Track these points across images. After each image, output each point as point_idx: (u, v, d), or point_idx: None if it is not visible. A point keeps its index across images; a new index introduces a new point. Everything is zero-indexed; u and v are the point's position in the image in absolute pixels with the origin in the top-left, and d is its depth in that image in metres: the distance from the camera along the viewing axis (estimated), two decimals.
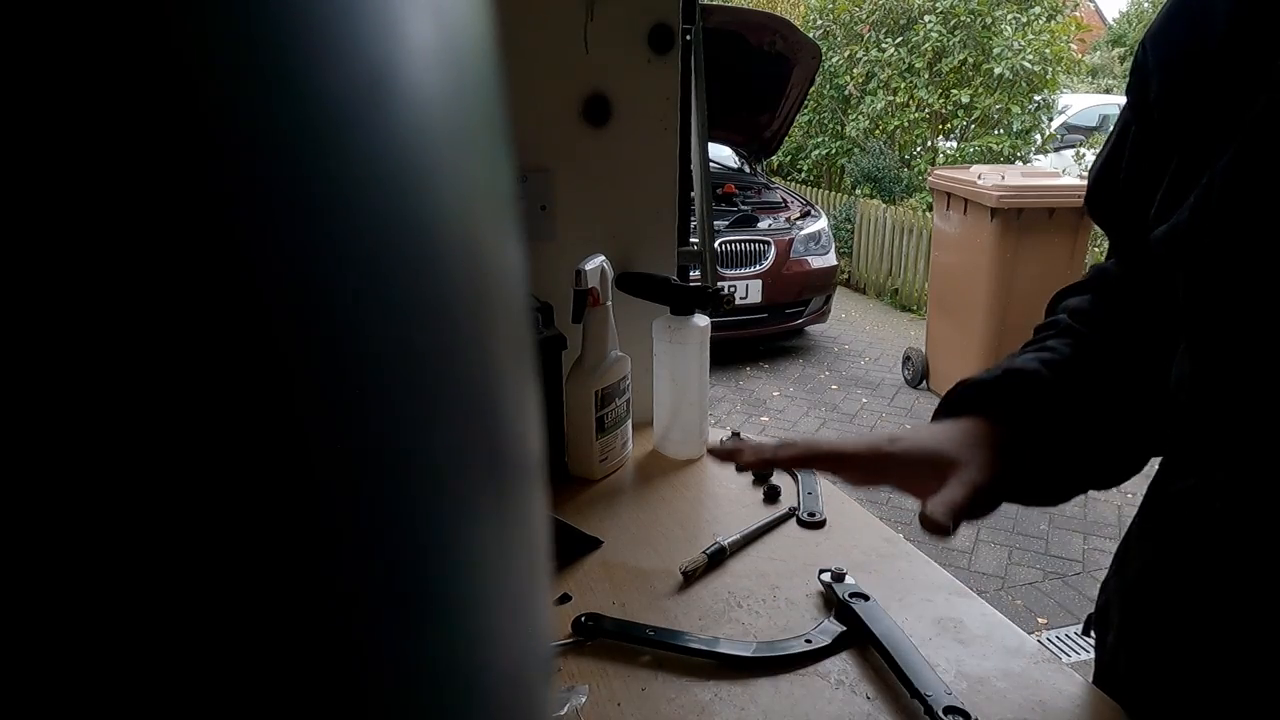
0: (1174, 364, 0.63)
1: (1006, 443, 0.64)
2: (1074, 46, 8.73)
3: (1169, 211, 0.59)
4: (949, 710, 0.66)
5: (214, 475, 0.12)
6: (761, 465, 0.61)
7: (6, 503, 0.10)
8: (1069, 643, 2.52)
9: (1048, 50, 8.08)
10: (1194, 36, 0.59)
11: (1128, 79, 0.67)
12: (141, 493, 0.11)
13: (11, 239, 0.10)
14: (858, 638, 0.78)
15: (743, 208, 5.42)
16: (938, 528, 0.56)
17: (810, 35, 6.39)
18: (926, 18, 8.17)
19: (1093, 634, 0.77)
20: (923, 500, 0.59)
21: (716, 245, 1.48)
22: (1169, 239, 0.58)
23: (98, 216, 0.10)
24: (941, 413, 0.69)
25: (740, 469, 0.62)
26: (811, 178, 9.52)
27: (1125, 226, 0.68)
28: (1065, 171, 5.94)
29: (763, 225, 5.33)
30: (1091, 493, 3.41)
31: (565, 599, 0.84)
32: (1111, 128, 0.71)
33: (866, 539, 0.96)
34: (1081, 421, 0.66)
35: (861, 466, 0.63)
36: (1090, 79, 14.68)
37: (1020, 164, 7.58)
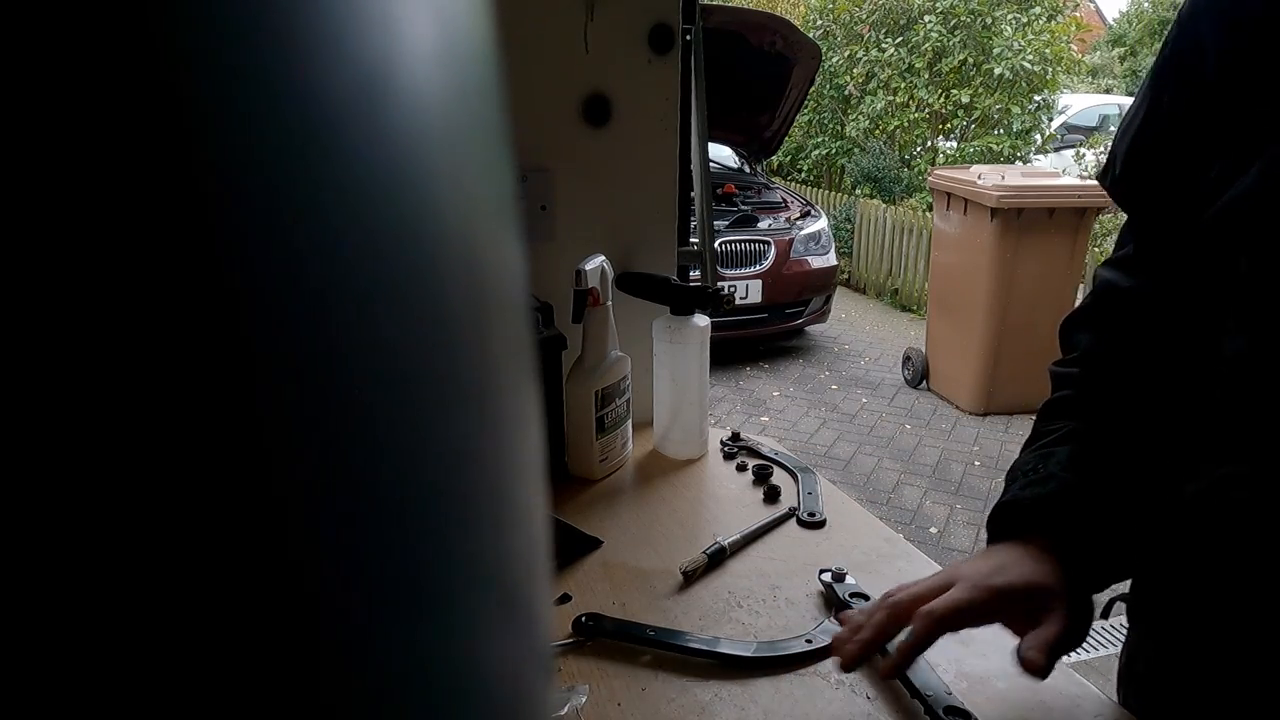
0: (1225, 342, 0.60)
1: (1066, 556, 0.66)
2: (1074, 46, 8.73)
3: (1224, 185, 0.57)
4: (949, 710, 0.66)
5: (212, 471, 0.12)
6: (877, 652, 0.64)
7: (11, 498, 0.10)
8: None
9: (1048, 50, 8.08)
10: (1248, 6, 0.57)
11: (1164, 50, 0.65)
12: (140, 490, 0.11)
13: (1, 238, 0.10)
14: None
15: (743, 208, 5.42)
16: (1035, 667, 0.59)
17: (810, 35, 6.39)
18: (926, 18, 8.17)
19: (1109, 619, 0.76)
20: (1019, 636, 0.62)
21: (716, 245, 1.48)
22: (1228, 212, 0.56)
23: (93, 216, 0.10)
24: (995, 536, 0.71)
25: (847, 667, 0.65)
26: (811, 178, 9.52)
27: (1157, 205, 0.66)
28: (1065, 171, 5.94)
29: (763, 225, 5.33)
30: None
31: (565, 599, 0.84)
32: (1134, 107, 0.68)
33: (867, 539, 0.96)
34: (1120, 507, 0.67)
35: (979, 611, 0.64)
36: (1090, 79, 14.68)
37: (1020, 164, 7.58)
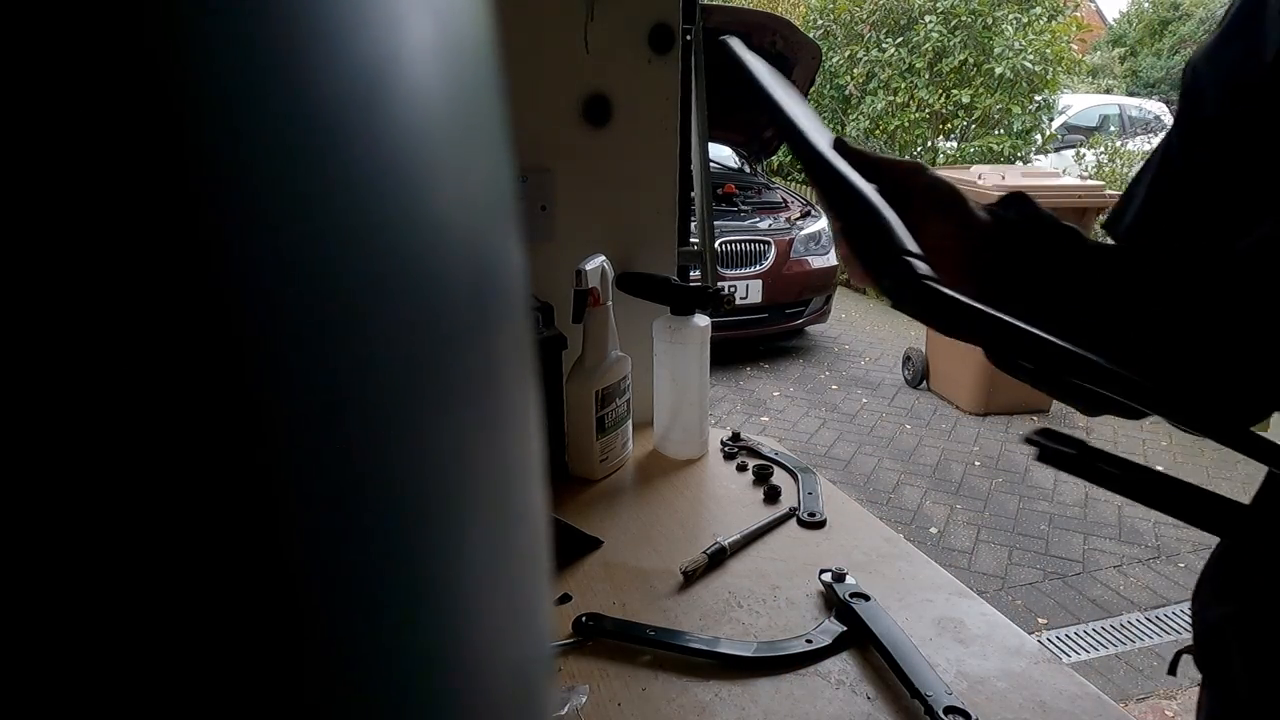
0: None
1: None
2: (1074, 47, 8.73)
3: (1244, 225, 0.57)
4: (949, 710, 0.66)
5: (211, 470, 0.12)
6: None
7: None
8: (1069, 643, 2.52)
9: (1048, 50, 8.08)
10: (1250, 56, 0.57)
11: (1178, 105, 0.65)
12: (141, 488, 0.11)
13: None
14: (858, 638, 0.78)
15: (743, 208, 5.42)
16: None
17: (810, 35, 6.39)
18: (927, 18, 8.17)
19: (1179, 674, 0.70)
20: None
21: (716, 245, 1.48)
22: (1260, 251, 0.56)
23: (88, 217, 0.10)
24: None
25: None
26: None
27: (1175, 251, 0.65)
28: (1065, 171, 5.94)
29: (763, 225, 5.33)
30: (1091, 492, 3.40)
31: (565, 599, 0.84)
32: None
33: (867, 539, 0.96)
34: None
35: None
36: (1090, 79, 14.66)
37: (1020, 164, 7.58)
